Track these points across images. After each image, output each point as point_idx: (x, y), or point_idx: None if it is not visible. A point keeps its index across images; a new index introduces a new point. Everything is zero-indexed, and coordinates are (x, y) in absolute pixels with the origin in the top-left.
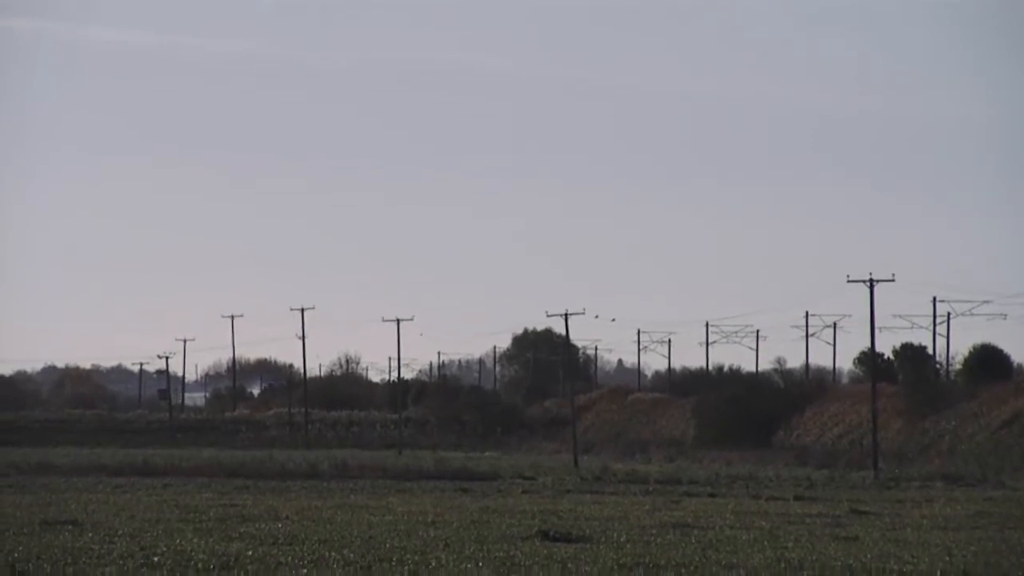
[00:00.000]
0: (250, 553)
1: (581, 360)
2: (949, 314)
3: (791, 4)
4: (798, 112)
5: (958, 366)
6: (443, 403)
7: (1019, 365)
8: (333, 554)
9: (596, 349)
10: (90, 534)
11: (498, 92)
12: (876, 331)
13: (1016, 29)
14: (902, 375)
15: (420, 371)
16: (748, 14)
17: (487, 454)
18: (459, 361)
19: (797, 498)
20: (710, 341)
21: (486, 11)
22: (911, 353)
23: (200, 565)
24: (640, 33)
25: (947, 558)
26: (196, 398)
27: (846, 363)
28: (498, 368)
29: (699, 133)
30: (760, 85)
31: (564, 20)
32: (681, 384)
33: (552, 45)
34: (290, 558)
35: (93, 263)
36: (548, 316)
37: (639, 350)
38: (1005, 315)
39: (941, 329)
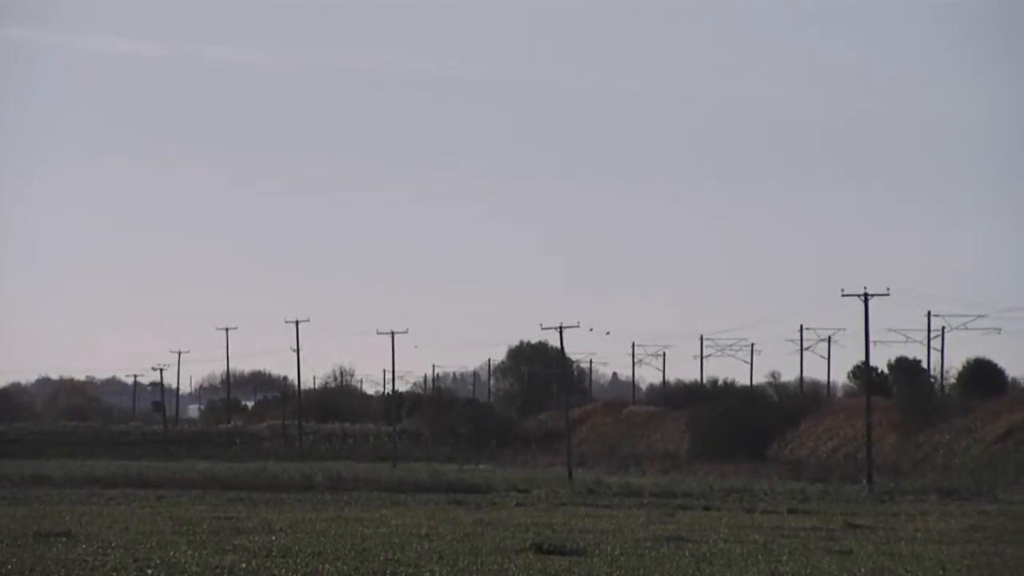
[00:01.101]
0: (244, 566)
1: (576, 373)
2: (944, 328)
3: (791, 4)
4: (797, 117)
5: (952, 380)
6: (437, 416)
7: (1013, 379)
8: (327, 567)
9: (591, 362)
10: (84, 546)
11: (498, 95)
12: (871, 345)
13: (1016, 29)
14: (896, 389)
15: (414, 384)
16: (748, 14)
17: (481, 467)
18: (454, 374)
19: (791, 511)
20: (705, 354)
21: (485, 11)
22: (906, 367)
23: None
24: (639, 33)
25: (941, 572)
26: (190, 410)
27: (840, 377)
28: (492, 381)
29: (696, 138)
30: (760, 87)
31: (563, 20)
32: (676, 397)
33: (550, 46)
34: (284, 570)
35: (88, 276)
36: (543, 329)
37: (634, 363)
38: (999, 329)
39: (936, 343)
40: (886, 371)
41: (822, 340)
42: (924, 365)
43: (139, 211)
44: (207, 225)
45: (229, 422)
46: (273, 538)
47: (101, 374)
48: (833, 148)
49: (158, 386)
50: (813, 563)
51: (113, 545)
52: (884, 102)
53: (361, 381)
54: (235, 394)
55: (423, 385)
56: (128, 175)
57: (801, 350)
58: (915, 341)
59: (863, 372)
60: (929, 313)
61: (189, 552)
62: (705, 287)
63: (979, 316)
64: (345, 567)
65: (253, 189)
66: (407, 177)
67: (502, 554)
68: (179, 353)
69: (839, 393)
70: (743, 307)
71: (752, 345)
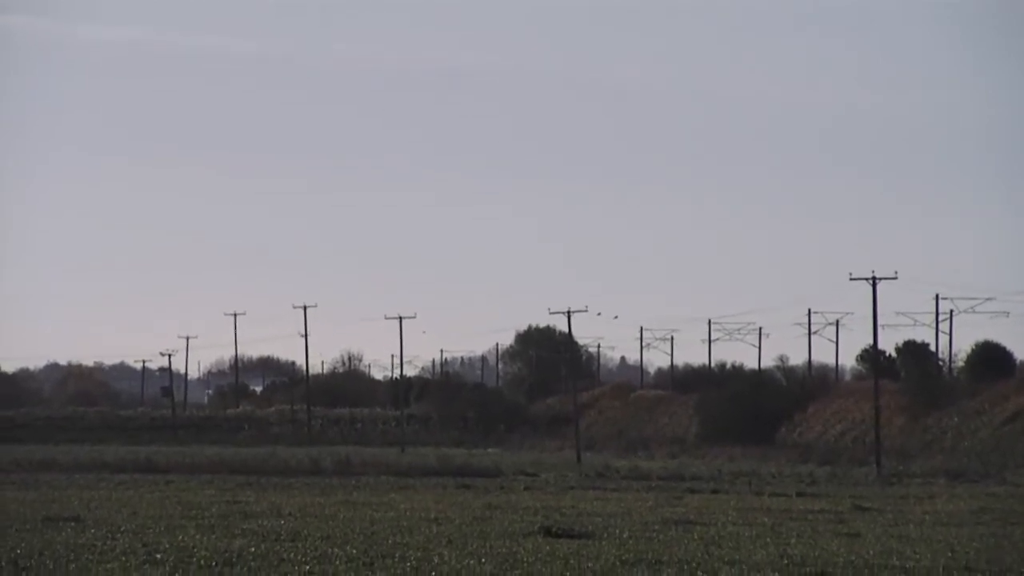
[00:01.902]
0: (252, 550)
1: (584, 357)
2: (952, 311)
3: (792, 4)
4: (800, 110)
5: (960, 363)
6: (446, 400)
7: (1021, 362)
8: (336, 550)
9: (599, 346)
10: (92, 531)
11: (499, 91)
12: (879, 328)
13: (1017, 29)
14: (904, 372)
15: (423, 368)
16: (749, 14)
17: (489, 451)
18: (462, 358)
19: (799, 494)
20: (713, 338)
21: (486, 10)
22: (914, 350)
23: (202, 562)
24: (640, 32)
25: (949, 554)
26: (199, 395)
27: (849, 360)
28: (501, 365)
29: (701, 131)
30: (762, 84)
31: (564, 19)
32: (684, 381)
33: (552, 44)
34: (292, 554)
35: (95, 261)
36: (551, 313)
37: (642, 347)
38: (1007, 312)
39: (944, 326)
40: (894, 354)
41: (830, 324)
42: (932, 348)
43: (147, 200)
44: (215, 212)
45: (238, 407)
46: (282, 522)
47: (109, 360)
48: (840, 137)
49: (166, 371)
50: (821, 545)
51: (122, 530)
52: (887, 96)
53: (369, 366)
54: (243, 379)
55: (431, 370)
56: (135, 163)
57: (809, 334)
58: (923, 324)
59: (871, 355)
60: (937, 296)
61: (198, 536)
62: (713, 271)
63: (987, 299)
64: (354, 551)
65: (261, 176)
66: (416, 165)
67: (511, 537)
68: (187, 339)
69: (847, 377)
70: (751, 291)
71: (760, 329)
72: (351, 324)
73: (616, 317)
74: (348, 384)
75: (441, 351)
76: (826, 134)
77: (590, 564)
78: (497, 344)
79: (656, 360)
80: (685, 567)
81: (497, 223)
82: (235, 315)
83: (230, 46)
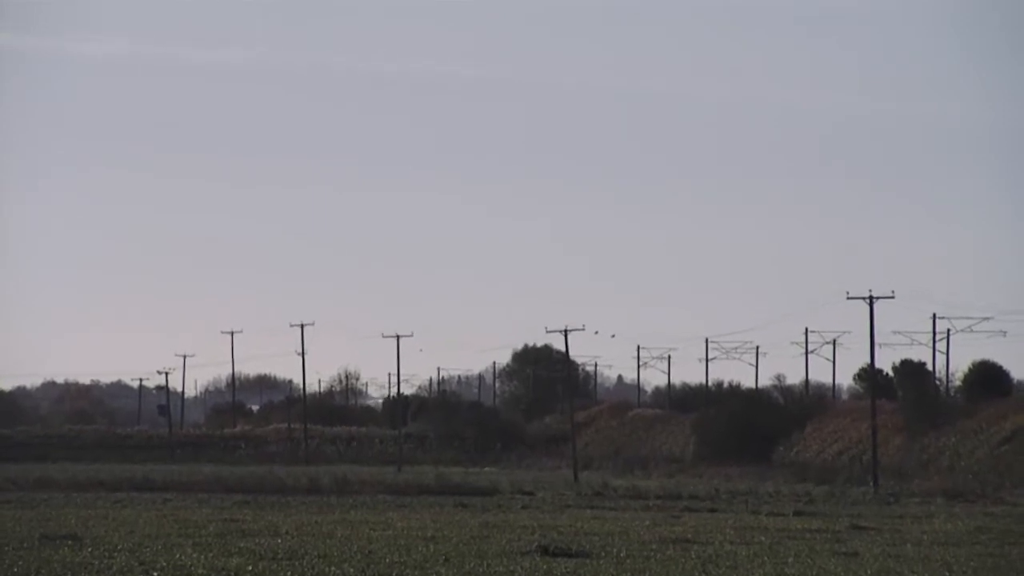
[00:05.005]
0: (250, 568)
1: (581, 376)
2: (949, 331)
3: (792, 9)
4: (798, 123)
5: (958, 383)
6: (443, 419)
7: (1019, 381)
8: (333, 569)
9: (596, 365)
10: (89, 549)
11: (498, 104)
12: (876, 348)
13: (1020, 42)
14: (902, 392)
15: (420, 387)
16: (748, 15)
17: (486, 470)
18: (459, 377)
19: (797, 514)
20: (710, 357)
21: (487, 13)
22: (911, 370)
23: None
24: (639, 35)
25: (947, 574)
26: (196, 414)
27: (846, 379)
28: (498, 384)
29: (700, 140)
30: (761, 91)
31: (565, 21)
32: (681, 400)
33: (553, 47)
34: (290, 573)
35: (92, 279)
36: (548, 332)
37: (639, 366)
38: (1005, 332)
39: (941, 346)
40: (891, 374)
41: (827, 343)
42: (929, 367)
43: (143, 215)
44: (211, 229)
45: (234, 426)
46: (279, 541)
47: (106, 378)
48: (837, 150)
49: (163, 390)
50: (819, 565)
51: (119, 548)
52: (887, 103)
53: (366, 384)
54: (240, 398)
55: (428, 388)
56: (131, 179)
57: (806, 353)
58: (920, 344)
59: (868, 375)
60: (934, 315)
61: (195, 555)
62: (710, 290)
63: (984, 318)
64: (351, 569)
65: (257, 192)
66: (412, 182)
67: (508, 556)
68: (184, 357)
69: (844, 396)
70: (748, 310)
71: (757, 348)
72: (348, 342)
73: (613, 336)
74: (345, 402)
75: (438, 369)
76: (824, 148)
77: None
78: (494, 363)
79: (653, 379)
80: None
81: (494, 242)
82: (232, 333)
83: (226, 58)
